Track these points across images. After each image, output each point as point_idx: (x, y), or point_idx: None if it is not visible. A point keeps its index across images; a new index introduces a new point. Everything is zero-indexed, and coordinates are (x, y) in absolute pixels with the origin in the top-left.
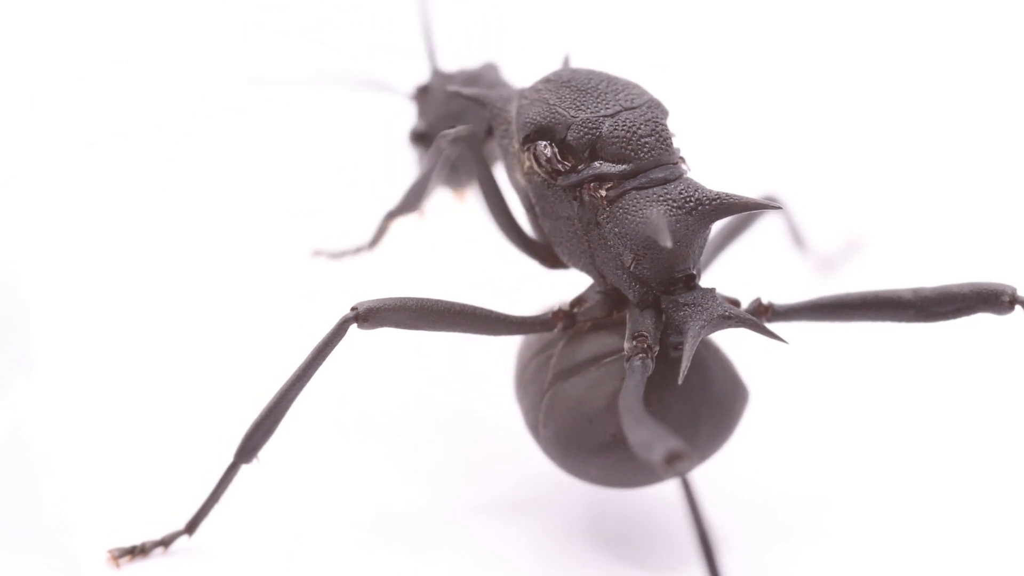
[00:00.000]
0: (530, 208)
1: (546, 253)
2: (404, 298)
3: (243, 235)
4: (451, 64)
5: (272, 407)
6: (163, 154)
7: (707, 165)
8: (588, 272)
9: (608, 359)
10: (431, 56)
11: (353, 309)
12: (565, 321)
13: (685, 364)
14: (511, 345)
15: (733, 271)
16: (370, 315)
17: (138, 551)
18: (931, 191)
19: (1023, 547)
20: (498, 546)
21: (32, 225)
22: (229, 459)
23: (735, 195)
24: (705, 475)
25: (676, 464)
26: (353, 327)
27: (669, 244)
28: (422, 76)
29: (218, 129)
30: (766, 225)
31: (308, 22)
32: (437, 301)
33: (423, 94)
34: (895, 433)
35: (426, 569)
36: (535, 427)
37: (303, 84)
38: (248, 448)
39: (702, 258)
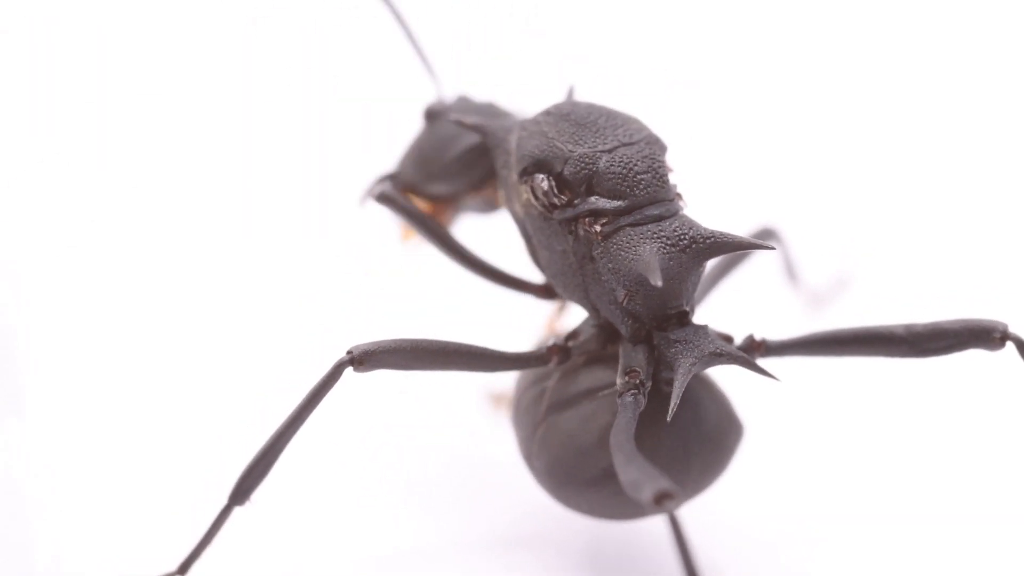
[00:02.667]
0: (528, 239)
1: (533, 286)
2: (399, 340)
3: (239, 278)
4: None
5: (266, 450)
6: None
7: (704, 196)
8: (583, 305)
9: (601, 393)
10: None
11: (348, 352)
12: (560, 355)
13: (674, 401)
14: (509, 378)
15: (728, 306)
16: (366, 358)
17: None
18: (922, 226)
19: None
20: None
21: (21, 262)
22: (223, 501)
23: (729, 234)
24: (700, 508)
25: (665, 503)
26: (348, 370)
27: (659, 283)
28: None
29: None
30: (762, 259)
31: None
32: (432, 342)
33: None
34: (890, 470)
35: None
36: (529, 459)
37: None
38: (242, 490)
39: (696, 294)
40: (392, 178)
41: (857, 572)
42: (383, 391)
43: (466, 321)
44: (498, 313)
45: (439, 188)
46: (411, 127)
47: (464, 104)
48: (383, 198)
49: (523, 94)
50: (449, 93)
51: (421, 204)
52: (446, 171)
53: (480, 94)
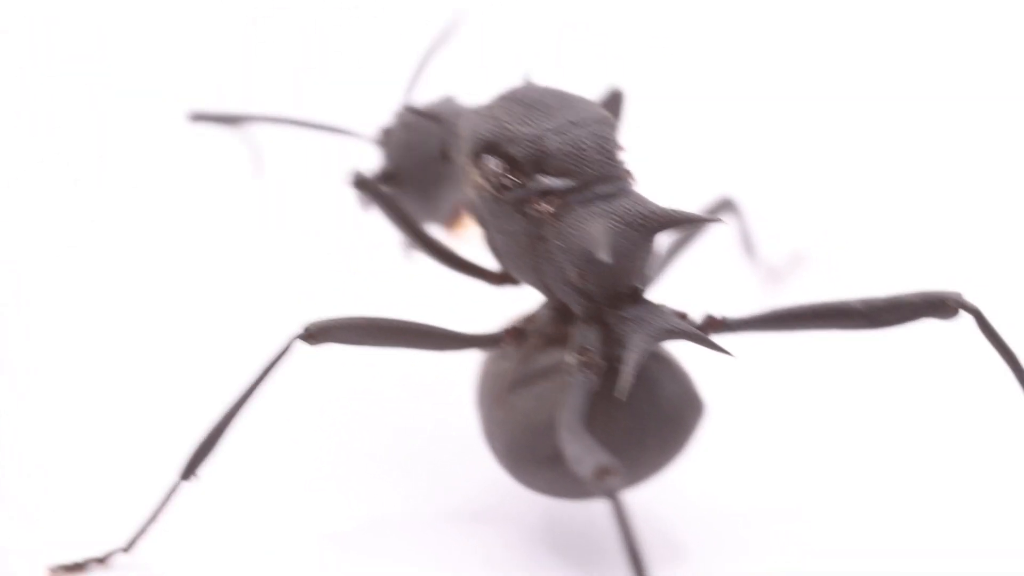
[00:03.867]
0: (482, 223)
1: (490, 272)
2: (353, 317)
3: (195, 252)
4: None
5: (216, 426)
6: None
7: (661, 173)
8: (537, 287)
9: (556, 373)
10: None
11: (303, 327)
12: (516, 337)
13: (626, 379)
14: (472, 355)
15: (688, 282)
16: (319, 333)
17: (77, 568)
18: (879, 201)
19: (982, 554)
20: (453, 556)
21: None
22: (172, 476)
23: (679, 210)
24: (662, 485)
25: (606, 479)
26: (302, 345)
27: (609, 259)
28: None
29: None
30: (722, 233)
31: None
32: (387, 320)
33: (386, 136)
34: (851, 444)
35: None
36: (490, 438)
37: (264, 122)
38: (191, 466)
39: (650, 271)
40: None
41: (820, 546)
42: (341, 365)
43: (425, 303)
44: (458, 296)
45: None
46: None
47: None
48: (360, 183)
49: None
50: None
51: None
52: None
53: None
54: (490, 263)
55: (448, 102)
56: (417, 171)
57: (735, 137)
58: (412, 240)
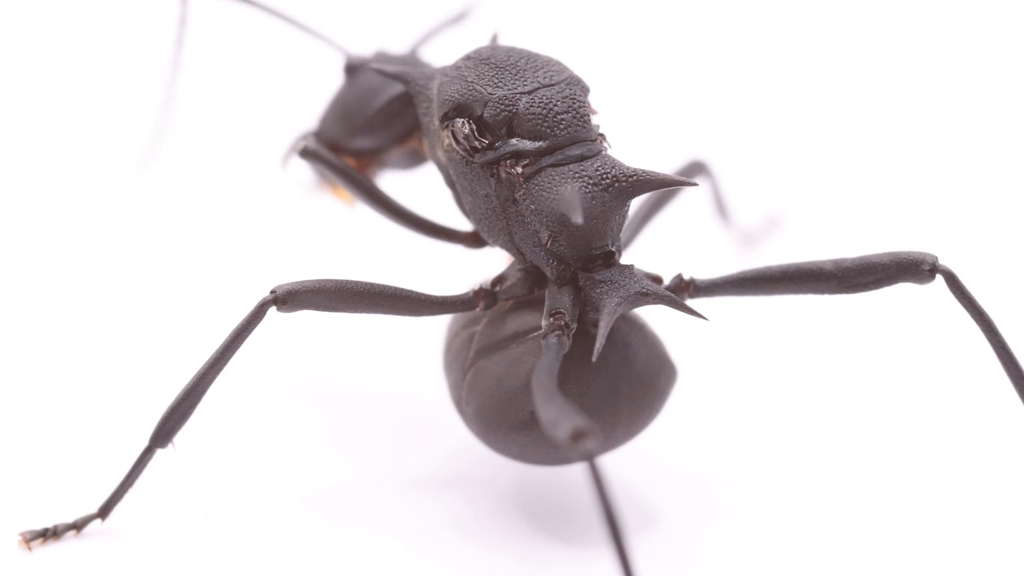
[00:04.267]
0: (452, 186)
1: (459, 233)
2: (323, 280)
3: (162, 216)
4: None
5: (188, 391)
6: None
7: (635, 136)
8: (508, 250)
9: (528, 337)
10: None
11: (272, 292)
12: (487, 300)
13: (600, 341)
14: (440, 321)
15: (658, 246)
16: (289, 298)
17: (50, 534)
18: (852, 164)
19: (945, 512)
20: (422, 521)
21: None
22: (144, 443)
23: (652, 172)
24: (635, 450)
25: (582, 442)
26: (272, 310)
27: (580, 221)
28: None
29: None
30: (693, 198)
31: None
32: (357, 283)
33: (351, 70)
34: (823, 408)
35: (350, 546)
36: (459, 403)
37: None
38: (163, 432)
39: (624, 234)
40: (315, 135)
41: (792, 513)
42: (309, 333)
43: (395, 267)
44: (427, 259)
45: (363, 142)
46: (330, 83)
47: (383, 57)
48: (306, 153)
49: (442, 49)
50: (365, 50)
51: (346, 160)
52: (370, 124)
53: (398, 48)
54: (458, 224)
55: (382, 55)
56: (370, 127)
57: (708, 99)
58: (376, 207)
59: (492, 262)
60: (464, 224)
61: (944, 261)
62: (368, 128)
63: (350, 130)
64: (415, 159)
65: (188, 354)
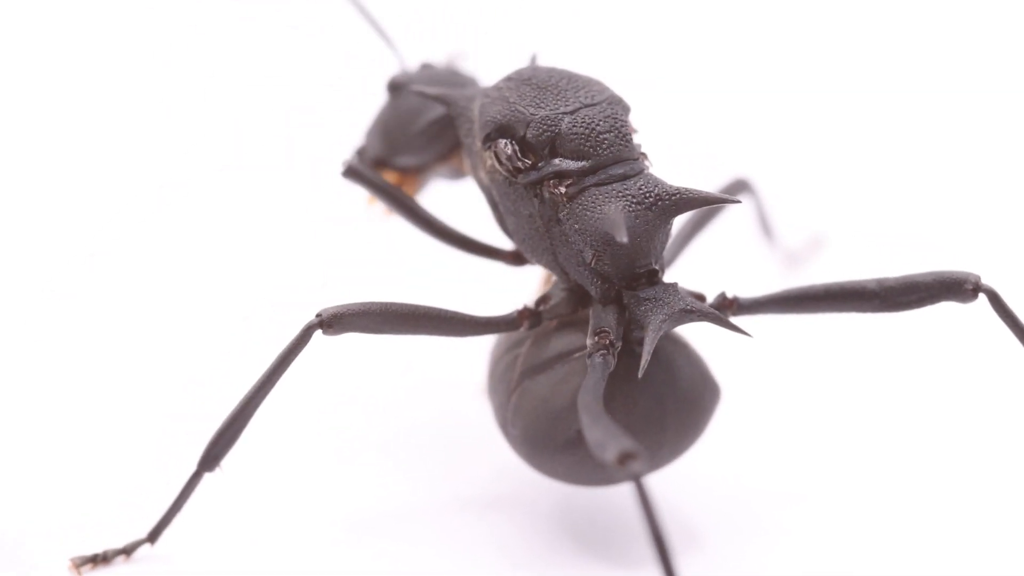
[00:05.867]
0: (494, 206)
1: (500, 251)
2: (368, 303)
3: (211, 240)
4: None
5: (235, 415)
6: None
7: (675, 158)
8: (551, 269)
9: (573, 356)
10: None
11: (317, 316)
12: (531, 320)
13: (645, 359)
14: (485, 342)
15: (702, 265)
16: (334, 321)
17: (100, 559)
18: (895, 184)
19: (993, 533)
20: (468, 543)
21: None
22: (193, 467)
23: (695, 190)
24: (679, 470)
25: (629, 464)
26: (318, 333)
27: (625, 240)
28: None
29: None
30: (737, 217)
31: None
32: (401, 305)
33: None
34: (867, 426)
35: (397, 567)
36: (504, 426)
37: None
38: (211, 456)
39: (667, 252)
40: (360, 152)
41: (839, 530)
42: (354, 357)
43: (438, 288)
44: (470, 280)
45: (406, 160)
46: (376, 101)
47: (427, 73)
48: (350, 172)
49: (487, 61)
50: (411, 64)
51: (389, 176)
52: (412, 143)
53: (442, 61)
54: (500, 242)
55: (427, 69)
56: (413, 144)
57: (752, 120)
58: (418, 224)
59: (533, 281)
60: (505, 242)
61: (987, 280)
62: (410, 147)
63: (393, 149)
64: (457, 174)
65: (235, 378)
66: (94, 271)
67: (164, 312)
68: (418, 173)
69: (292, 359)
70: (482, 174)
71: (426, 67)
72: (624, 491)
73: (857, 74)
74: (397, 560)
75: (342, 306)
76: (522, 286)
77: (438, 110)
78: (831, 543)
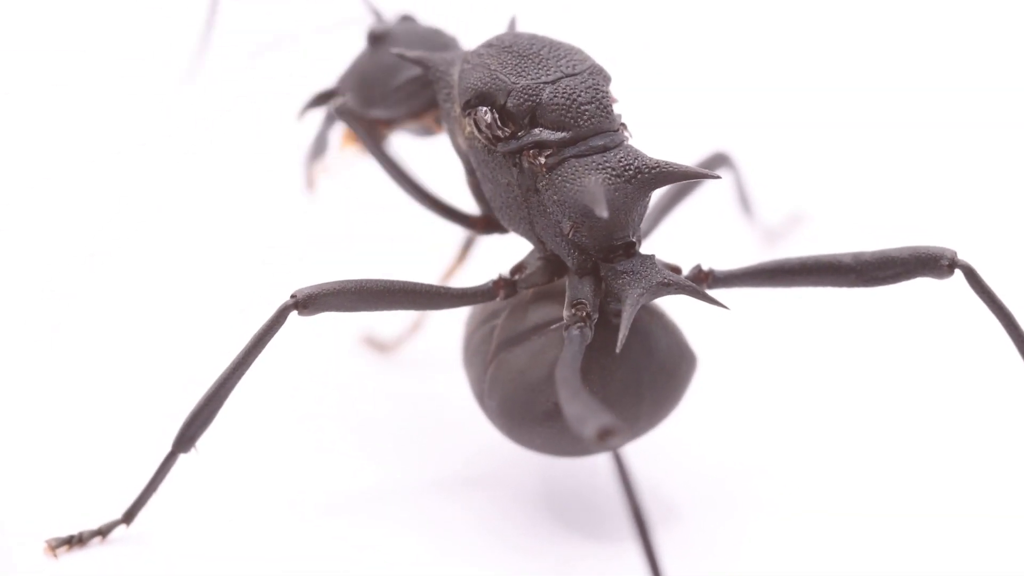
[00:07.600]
0: (471, 173)
1: (471, 217)
2: (343, 281)
3: (183, 223)
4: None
5: (210, 396)
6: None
7: (656, 130)
8: (528, 238)
9: (550, 328)
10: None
11: (292, 296)
12: (506, 289)
13: (623, 332)
14: (459, 318)
15: (678, 237)
16: (309, 301)
17: (75, 541)
18: (874, 161)
19: (968, 506)
20: (449, 521)
21: None
22: (167, 448)
23: (675, 163)
24: (655, 444)
25: (608, 439)
26: (293, 314)
27: (605, 214)
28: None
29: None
30: (716, 191)
31: None
32: (376, 281)
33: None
34: (840, 399)
35: (376, 547)
36: (481, 398)
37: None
38: (186, 437)
39: (644, 225)
40: (331, 95)
41: (814, 506)
42: (330, 335)
43: (407, 263)
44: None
45: (378, 112)
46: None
47: (408, 27)
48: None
49: (467, 18)
50: (392, 15)
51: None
52: (387, 98)
53: (424, 18)
54: (471, 207)
55: (407, 22)
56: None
57: (732, 92)
58: (396, 179)
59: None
60: (475, 208)
61: (963, 256)
62: (384, 102)
63: (367, 101)
64: (427, 131)
65: (210, 359)
66: (93, 271)
67: (139, 291)
68: (387, 126)
69: (268, 340)
70: (460, 140)
71: (407, 19)
72: (604, 466)
73: (839, 49)
74: (376, 539)
75: (317, 286)
76: (489, 256)
77: (415, 70)
78: (805, 515)
